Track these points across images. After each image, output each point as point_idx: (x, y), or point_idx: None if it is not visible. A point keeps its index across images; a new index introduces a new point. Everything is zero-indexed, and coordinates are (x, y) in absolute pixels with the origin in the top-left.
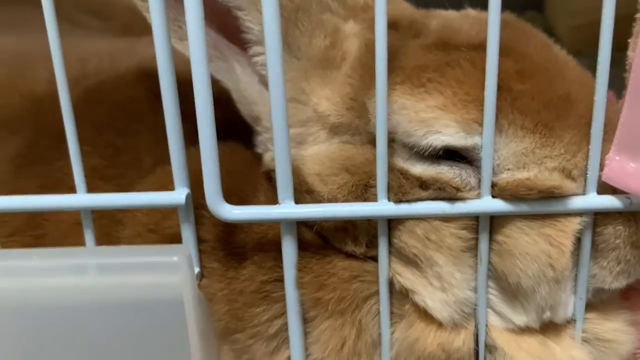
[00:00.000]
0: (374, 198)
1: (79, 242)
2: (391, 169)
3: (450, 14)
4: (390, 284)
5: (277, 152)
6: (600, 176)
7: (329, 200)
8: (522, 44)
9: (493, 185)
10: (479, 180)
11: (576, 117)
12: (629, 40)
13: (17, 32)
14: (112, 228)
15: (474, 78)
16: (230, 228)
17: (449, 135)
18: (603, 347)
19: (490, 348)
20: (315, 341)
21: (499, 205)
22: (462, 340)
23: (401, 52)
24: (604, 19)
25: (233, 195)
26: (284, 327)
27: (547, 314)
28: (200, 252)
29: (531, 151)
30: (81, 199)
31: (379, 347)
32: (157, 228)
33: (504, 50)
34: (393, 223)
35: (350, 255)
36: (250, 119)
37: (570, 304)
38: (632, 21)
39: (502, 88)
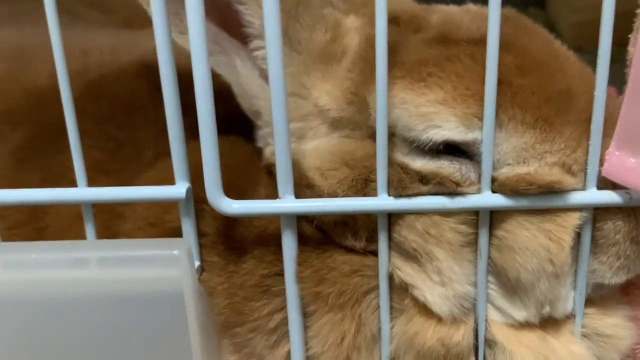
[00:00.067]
0: (374, 192)
1: (80, 235)
2: (391, 163)
3: (451, 8)
4: (390, 278)
5: (277, 146)
6: (600, 171)
7: (329, 195)
8: (522, 39)
9: (493, 180)
10: (479, 175)
11: (576, 113)
12: (629, 36)
13: (18, 25)
14: (112, 222)
15: (474, 73)
16: (231, 222)
17: (449, 129)
18: (602, 342)
19: (490, 343)
20: (315, 335)
21: (498, 200)
22: (461, 335)
23: (402, 46)
24: (604, 14)
25: (233, 189)
26: (284, 321)
27: (547, 309)
28: (201, 245)
29: (531, 146)
30: (82, 192)
31: (378, 341)
32: (158, 222)
33: (505, 45)
34: (393, 217)
35: (350, 250)
36: (250, 113)
37: (570, 299)
38: (632, 17)
39: (502, 83)
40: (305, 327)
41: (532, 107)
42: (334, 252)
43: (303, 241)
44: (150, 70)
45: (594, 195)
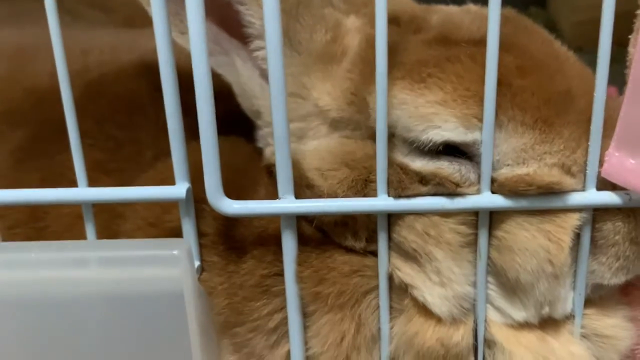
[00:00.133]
0: (373, 193)
1: (81, 235)
2: (391, 164)
3: (452, 9)
4: (390, 278)
5: (277, 147)
6: (599, 172)
7: (329, 195)
8: (522, 40)
9: (492, 180)
10: (479, 176)
11: (576, 113)
12: (629, 37)
13: (18, 25)
14: (112, 222)
15: (474, 73)
16: (231, 222)
17: (448, 130)
18: (602, 342)
19: (489, 343)
20: (314, 335)
21: (498, 201)
22: (461, 335)
23: (402, 47)
24: (604, 15)
25: (233, 190)
26: (284, 321)
27: (546, 310)
28: (201, 245)
29: (531, 147)
30: (82, 192)
31: (378, 342)
32: (158, 222)
33: (505, 46)
34: (392, 218)
35: (350, 250)
36: (251, 113)
37: (569, 299)
38: (633, 17)
39: (502, 84)
40: (305, 327)
41: (531, 108)
42: (333, 252)
43: (303, 241)
44: (150, 70)
45: (593, 196)
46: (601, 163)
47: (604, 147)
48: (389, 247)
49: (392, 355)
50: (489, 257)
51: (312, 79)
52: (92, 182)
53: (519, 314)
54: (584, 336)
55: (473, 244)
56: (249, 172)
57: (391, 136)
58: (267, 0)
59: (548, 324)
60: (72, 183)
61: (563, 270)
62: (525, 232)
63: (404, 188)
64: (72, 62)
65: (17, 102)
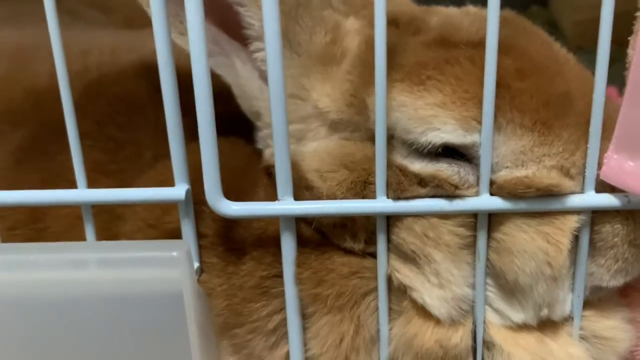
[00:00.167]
0: (372, 195)
1: (80, 235)
2: (390, 165)
3: (451, 10)
4: (389, 280)
5: (276, 148)
6: (598, 174)
7: (328, 197)
8: (522, 42)
9: (491, 183)
10: (478, 178)
11: (575, 116)
12: (629, 38)
13: (19, 25)
14: (112, 223)
15: (473, 76)
16: (230, 223)
17: (447, 132)
18: (600, 344)
19: (488, 345)
20: (314, 336)
21: (497, 203)
22: (459, 337)
23: (401, 49)
24: (603, 17)
25: (233, 191)
26: (283, 323)
27: (545, 312)
28: (200, 247)
29: (529, 149)
30: (81, 194)
31: (377, 343)
32: (157, 223)
33: (504, 48)
34: (391, 220)
35: (349, 252)
36: (250, 114)
37: (568, 301)
38: (633, 17)
39: (501, 86)
40: (304, 329)
41: (530, 111)
42: (332, 253)
43: (302, 243)
44: (150, 71)
45: (592, 199)
46: (600, 165)
47: (602, 150)
48: (388, 249)
49: (391, 356)
50: (487, 259)
51: (311, 81)
52: (92, 183)
53: (518, 316)
54: (582, 338)
55: (472, 245)
56: (248, 173)
57: (390, 138)
58: (266, 1)
59: (547, 325)
60: (72, 184)
61: (561, 273)
62: (524, 234)
63: (403, 190)
64: (72, 62)
65: (17, 102)
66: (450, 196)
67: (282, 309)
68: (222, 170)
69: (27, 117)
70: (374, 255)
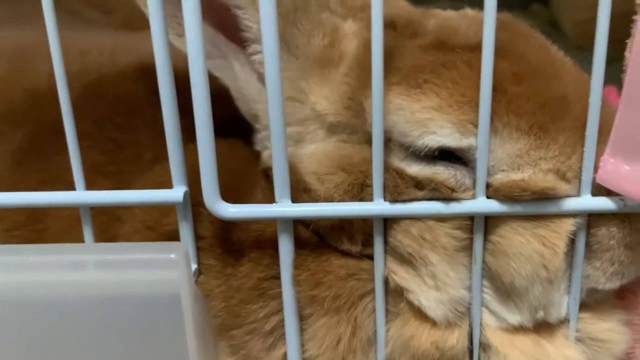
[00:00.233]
0: (369, 197)
1: (80, 236)
2: (387, 168)
3: (449, 13)
4: (386, 282)
5: (274, 151)
6: (594, 178)
7: (325, 199)
8: (518, 46)
9: (488, 186)
10: (474, 181)
11: (572, 119)
12: (627, 41)
13: (19, 26)
14: (111, 224)
15: (469, 79)
16: (228, 225)
17: (444, 136)
18: (597, 346)
19: (484, 346)
20: (311, 338)
21: (493, 206)
22: (456, 339)
23: (398, 52)
24: (599, 22)
25: (231, 193)
26: (281, 324)
27: (540, 314)
28: (198, 249)
29: (526, 153)
30: (79, 195)
31: (374, 344)
32: (156, 225)
33: (500, 52)
34: (388, 222)
35: (347, 254)
36: (249, 116)
37: (564, 304)
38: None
39: (497, 90)
40: (302, 330)
41: (527, 114)
42: (330, 255)
43: (299, 245)
44: (149, 72)
45: (588, 202)
46: (596, 169)
47: (599, 153)
48: (385, 251)
49: (387, 358)
50: (484, 262)
51: (309, 84)
52: (91, 184)
53: (514, 318)
54: (579, 340)
55: (468, 248)
56: (246, 175)
57: (387, 141)
58: (264, 4)
59: (543, 327)
60: (71, 185)
61: (557, 275)
62: (520, 237)
63: (400, 193)
64: (71, 63)
65: (17, 102)
66: (447, 199)
67: (280, 310)
68: (221, 172)
69: (27, 118)
70: (371, 258)
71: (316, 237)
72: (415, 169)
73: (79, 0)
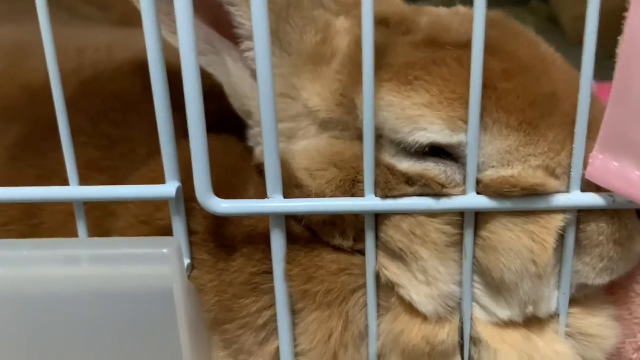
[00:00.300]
0: (361, 193)
1: (75, 231)
2: (378, 164)
3: (441, 11)
4: (377, 277)
5: (266, 147)
6: (584, 174)
7: (317, 195)
8: (509, 43)
9: (478, 182)
10: (464, 177)
11: (561, 116)
12: (618, 38)
13: (17, 22)
14: (105, 219)
15: (460, 76)
16: (221, 221)
17: (434, 132)
18: (587, 341)
19: (475, 341)
20: (303, 332)
21: (483, 202)
22: (446, 334)
23: (390, 49)
24: (589, 18)
25: (224, 189)
26: (273, 318)
27: (530, 309)
28: (191, 244)
29: (515, 149)
30: (73, 191)
31: (365, 339)
32: (149, 220)
33: (490, 49)
34: (380, 218)
35: (338, 249)
36: (242, 113)
37: (554, 299)
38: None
39: (487, 87)
40: (294, 325)
41: (516, 111)
42: (322, 251)
43: (292, 240)
44: (144, 68)
45: (577, 198)
46: (586, 165)
47: (588, 150)
48: (376, 247)
49: (379, 352)
50: (474, 257)
51: (302, 80)
52: (86, 179)
53: (504, 313)
54: (569, 335)
55: (458, 243)
56: (240, 171)
57: (379, 137)
58: (256, 1)
59: (533, 322)
60: (66, 181)
61: (547, 271)
62: (509, 232)
63: (391, 189)
64: (68, 60)
65: (14, 98)
66: (438, 195)
67: (272, 305)
68: (214, 168)
69: (23, 114)
70: (362, 253)
71: (308, 233)
72: (406, 165)
73: None
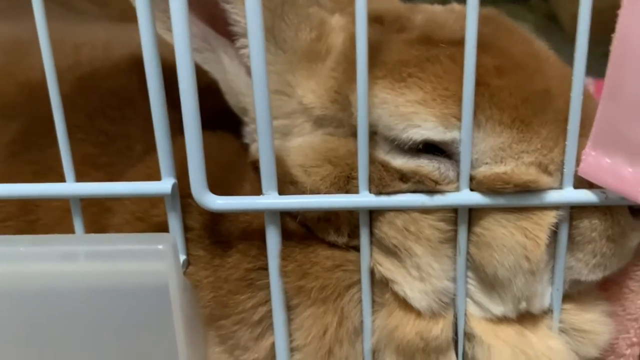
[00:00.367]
0: (355, 190)
1: (71, 228)
2: (372, 161)
3: (436, 8)
4: (372, 273)
5: (261, 144)
6: (576, 171)
7: (312, 191)
8: (502, 40)
9: (471, 178)
10: (458, 174)
11: (554, 113)
12: (612, 35)
13: (16, 19)
14: (101, 216)
15: (453, 74)
16: (216, 217)
17: (428, 129)
18: (580, 337)
19: (469, 336)
20: (298, 328)
21: (476, 198)
22: (440, 329)
23: (384, 46)
24: (581, 15)
25: (219, 185)
26: (268, 314)
27: (523, 305)
28: (187, 240)
29: (508, 146)
30: (69, 187)
31: (360, 335)
32: (145, 216)
33: (483, 46)
34: (374, 214)
35: (333, 245)
36: (237, 109)
37: (547, 295)
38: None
39: (480, 83)
40: (289, 320)
41: (509, 108)
42: (317, 247)
43: (287, 236)
44: (141, 65)
45: (570, 194)
46: (578, 162)
47: (581, 146)
48: (371, 243)
49: (373, 348)
50: (467, 253)
51: (296, 77)
52: (83, 176)
53: (498, 309)
54: (562, 331)
55: (452, 240)
56: (235, 167)
57: (373, 134)
58: None
59: (526, 318)
60: (63, 177)
61: (539, 267)
62: (502, 229)
63: (385, 185)
64: (65, 57)
65: (12, 96)
66: (431, 191)
67: (267, 301)
68: (210, 164)
69: (21, 110)
70: (357, 249)
71: (303, 229)
72: (400, 162)
73: None
